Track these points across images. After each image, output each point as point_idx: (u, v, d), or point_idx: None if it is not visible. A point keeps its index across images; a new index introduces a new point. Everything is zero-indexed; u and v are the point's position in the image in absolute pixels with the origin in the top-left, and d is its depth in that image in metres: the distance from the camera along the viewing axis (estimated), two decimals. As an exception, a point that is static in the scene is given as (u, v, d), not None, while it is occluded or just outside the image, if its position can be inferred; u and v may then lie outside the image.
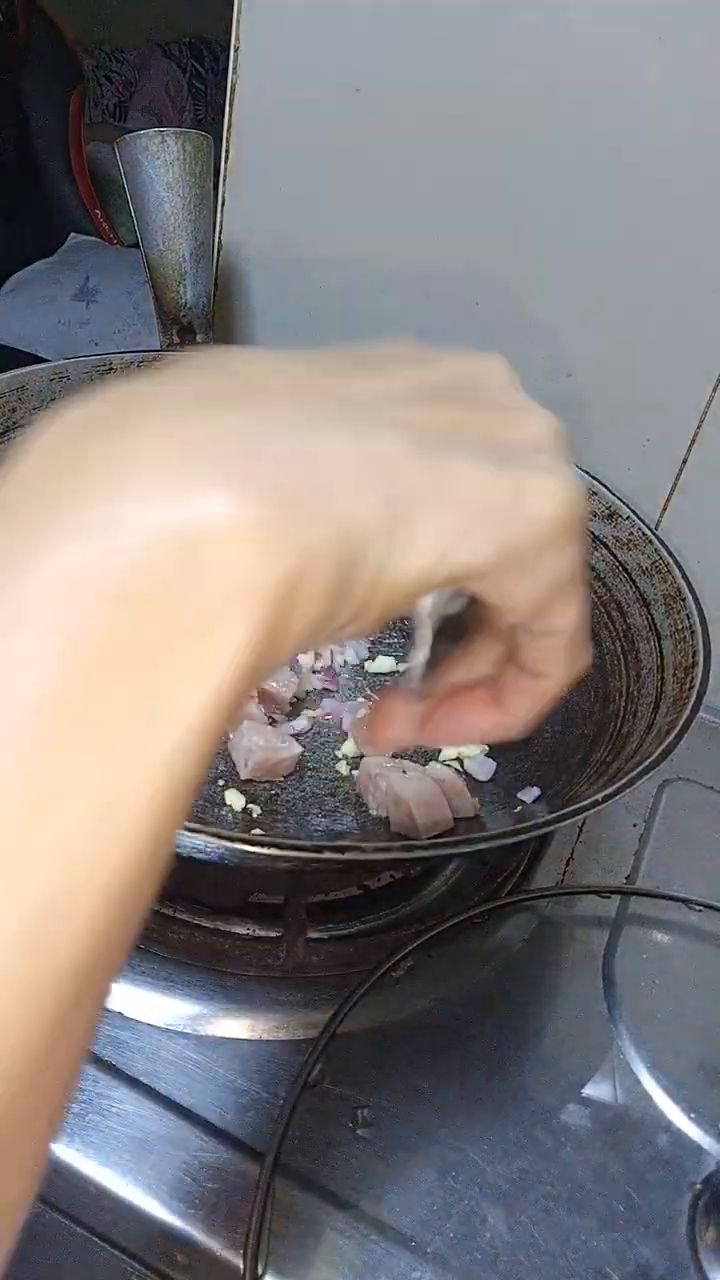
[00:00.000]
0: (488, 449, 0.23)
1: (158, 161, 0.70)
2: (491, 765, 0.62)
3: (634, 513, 0.66)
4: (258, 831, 0.56)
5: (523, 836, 0.44)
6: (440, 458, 0.22)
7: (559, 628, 0.26)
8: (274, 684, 0.63)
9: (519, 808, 0.57)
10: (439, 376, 0.25)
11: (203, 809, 0.57)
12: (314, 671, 0.67)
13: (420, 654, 0.29)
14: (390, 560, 0.21)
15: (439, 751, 0.63)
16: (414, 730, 0.30)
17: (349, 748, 0.62)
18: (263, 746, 0.58)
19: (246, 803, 0.58)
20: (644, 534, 0.64)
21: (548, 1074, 0.51)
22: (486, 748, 0.63)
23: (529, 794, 0.57)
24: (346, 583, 0.20)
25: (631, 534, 0.65)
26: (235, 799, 0.58)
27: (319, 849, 0.42)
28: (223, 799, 0.58)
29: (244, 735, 0.59)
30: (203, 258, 0.73)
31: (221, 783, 0.59)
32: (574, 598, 0.26)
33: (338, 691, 0.67)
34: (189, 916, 0.55)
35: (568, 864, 0.63)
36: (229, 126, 0.76)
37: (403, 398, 0.23)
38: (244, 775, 0.59)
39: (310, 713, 0.65)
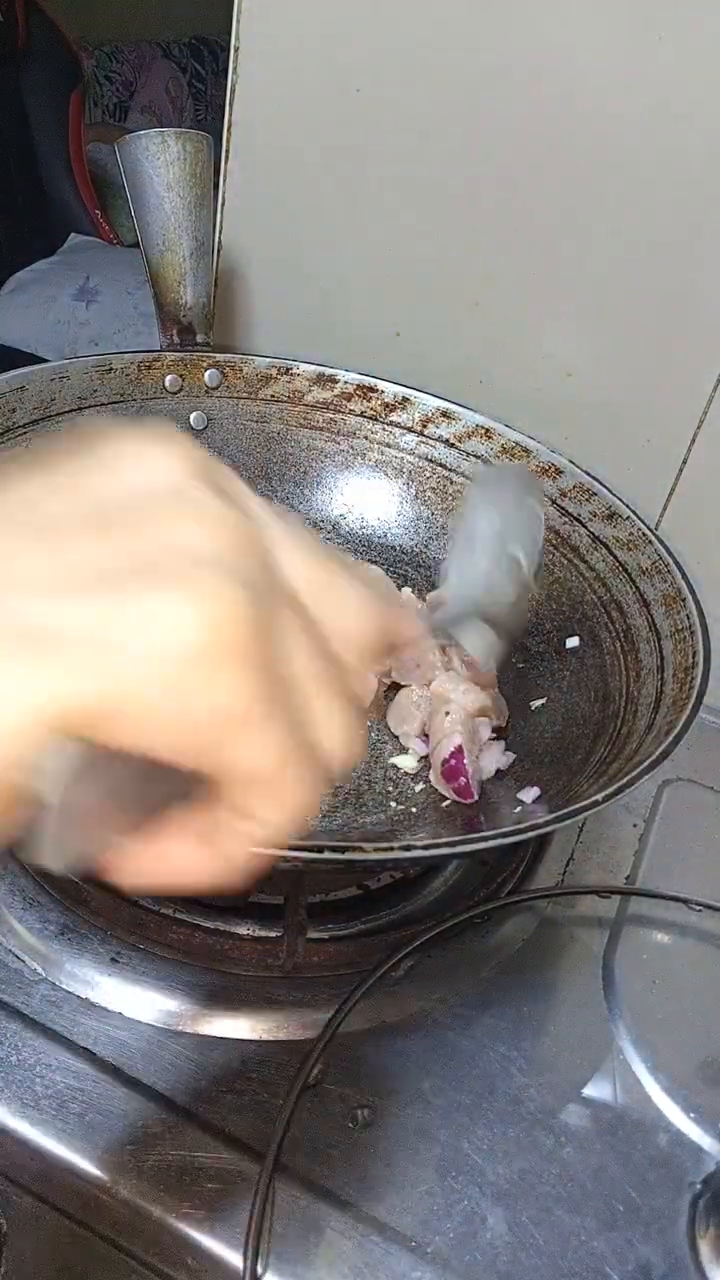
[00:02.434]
0: (107, 577, 0.20)
1: (158, 162, 0.70)
2: (511, 757, 0.62)
3: (634, 513, 0.66)
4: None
5: (523, 836, 0.44)
6: (29, 604, 0.20)
7: (241, 769, 0.22)
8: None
9: (519, 808, 0.57)
10: (73, 489, 0.22)
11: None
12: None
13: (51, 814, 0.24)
14: None
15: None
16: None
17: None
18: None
19: None
20: (644, 534, 0.64)
21: (548, 1074, 0.51)
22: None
23: (529, 794, 0.57)
24: None
25: (631, 534, 0.65)
26: None
27: (319, 849, 0.42)
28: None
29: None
30: (203, 258, 0.73)
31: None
32: (257, 730, 0.22)
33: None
34: (189, 916, 0.55)
35: (568, 864, 0.63)
36: (229, 126, 0.76)
37: (13, 536, 0.21)
38: None
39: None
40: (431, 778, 0.60)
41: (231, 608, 0.21)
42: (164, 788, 0.24)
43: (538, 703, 0.65)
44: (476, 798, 0.59)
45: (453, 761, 0.59)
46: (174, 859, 0.25)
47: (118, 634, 0.20)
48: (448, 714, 0.60)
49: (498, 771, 0.61)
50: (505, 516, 0.53)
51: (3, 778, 0.20)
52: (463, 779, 0.58)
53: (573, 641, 0.65)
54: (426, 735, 0.62)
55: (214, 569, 0.21)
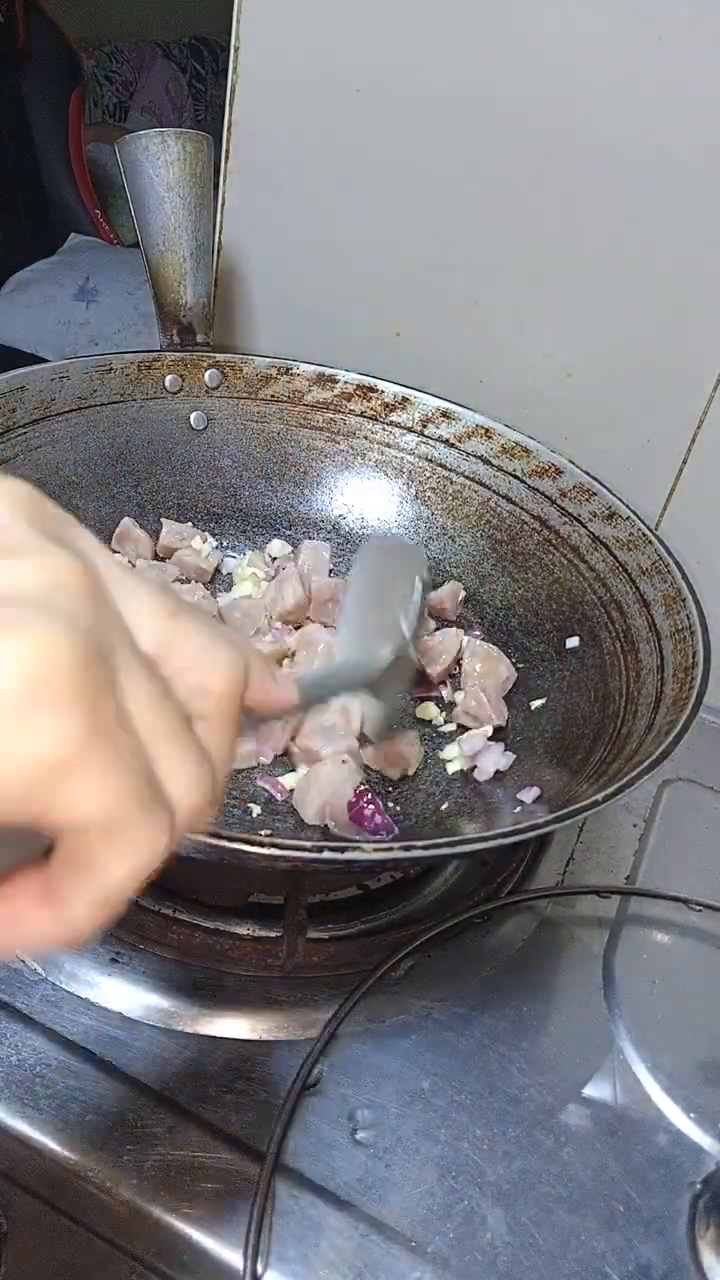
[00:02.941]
0: None
1: (158, 162, 0.70)
2: (511, 757, 0.62)
3: (634, 513, 0.66)
4: (263, 832, 0.56)
5: (523, 836, 0.44)
6: None
7: (79, 815, 0.21)
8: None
9: (519, 808, 0.57)
10: None
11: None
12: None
13: None
14: None
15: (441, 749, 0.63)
16: None
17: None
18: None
19: (247, 802, 0.58)
20: (644, 534, 0.64)
21: (548, 1074, 0.51)
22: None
23: (529, 794, 0.57)
24: None
25: (631, 534, 0.65)
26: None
27: (319, 849, 0.42)
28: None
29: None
30: (203, 258, 0.73)
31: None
32: (83, 775, 0.21)
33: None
34: (189, 916, 0.55)
35: (568, 864, 0.63)
36: (229, 126, 0.76)
37: None
38: None
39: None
40: (331, 826, 0.57)
41: (50, 649, 0.20)
42: (5, 849, 0.23)
43: (538, 703, 0.65)
44: (397, 829, 0.57)
45: (360, 804, 0.55)
46: (15, 920, 0.24)
47: None
48: (330, 756, 0.58)
49: (497, 772, 0.61)
50: (388, 589, 0.53)
51: None
52: (379, 817, 0.55)
53: (573, 641, 0.65)
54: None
55: (37, 610, 0.20)
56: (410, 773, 0.61)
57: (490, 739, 0.63)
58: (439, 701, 0.67)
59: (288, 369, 0.75)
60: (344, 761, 0.57)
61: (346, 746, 0.59)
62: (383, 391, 0.75)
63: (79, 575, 0.22)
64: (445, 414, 0.74)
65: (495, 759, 0.61)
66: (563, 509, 0.69)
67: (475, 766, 0.62)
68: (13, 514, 0.23)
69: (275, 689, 0.30)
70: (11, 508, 0.23)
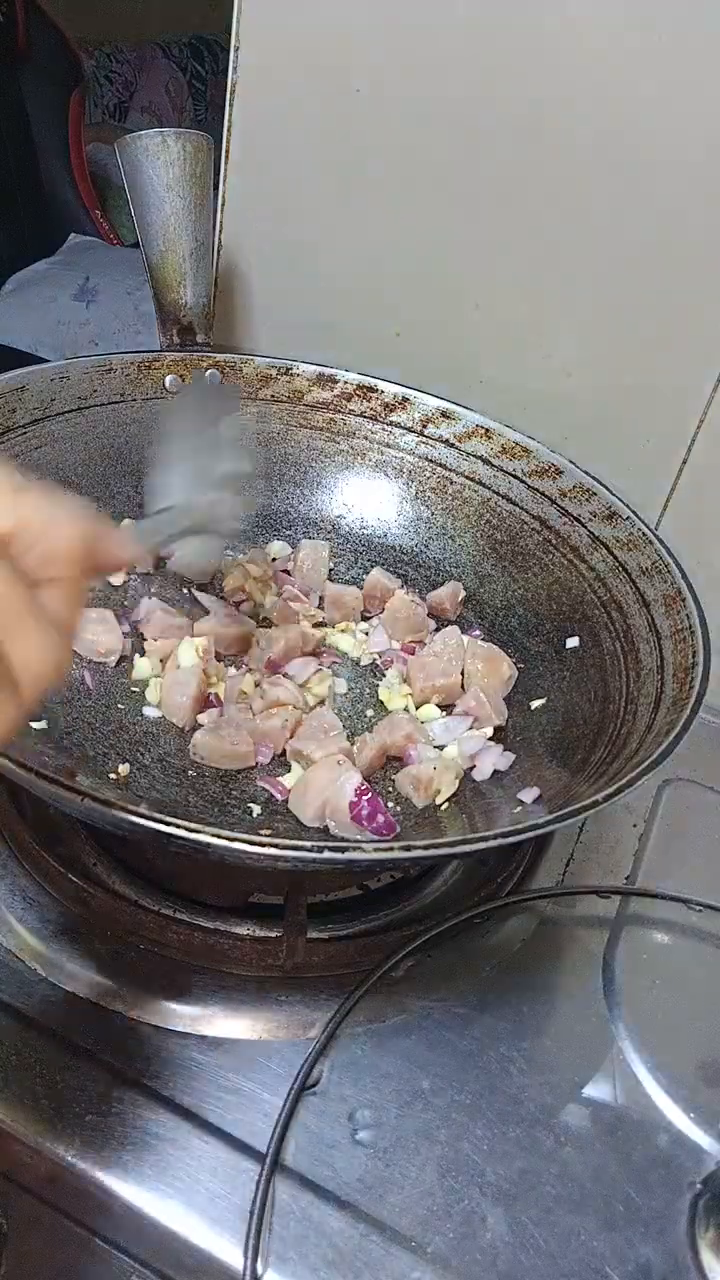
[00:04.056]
0: None
1: (158, 162, 0.70)
2: (510, 757, 0.62)
3: (634, 513, 0.66)
4: (263, 832, 0.56)
5: (523, 836, 0.44)
6: None
7: None
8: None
9: (519, 808, 0.57)
10: None
11: (205, 809, 0.57)
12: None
13: None
14: None
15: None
16: None
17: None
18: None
19: (246, 802, 0.58)
20: (644, 534, 0.64)
21: (548, 1074, 0.51)
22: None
23: (529, 794, 0.57)
24: None
25: (631, 534, 0.65)
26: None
27: (319, 849, 0.42)
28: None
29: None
30: (203, 258, 0.73)
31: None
32: None
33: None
34: (189, 916, 0.55)
35: (568, 864, 0.63)
36: (229, 126, 0.76)
37: None
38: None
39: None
40: (332, 827, 0.56)
41: None
42: None
43: (538, 703, 0.65)
44: (398, 829, 0.56)
45: (361, 803, 0.55)
46: None
47: None
48: (323, 759, 0.58)
49: (496, 772, 0.61)
50: (202, 432, 0.54)
51: None
52: (380, 816, 0.55)
53: (573, 641, 0.65)
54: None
55: None
56: (439, 801, 0.60)
57: (490, 739, 0.63)
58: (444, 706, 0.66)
59: (288, 369, 0.75)
60: (338, 762, 0.57)
61: (339, 747, 0.59)
62: (383, 391, 0.75)
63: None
64: (445, 414, 0.74)
65: (494, 759, 0.61)
66: (563, 509, 0.69)
67: (474, 766, 0.62)
68: None
69: (114, 542, 0.32)
70: None
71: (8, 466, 0.28)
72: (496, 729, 0.64)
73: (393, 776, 0.61)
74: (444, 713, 0.66)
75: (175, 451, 0.54)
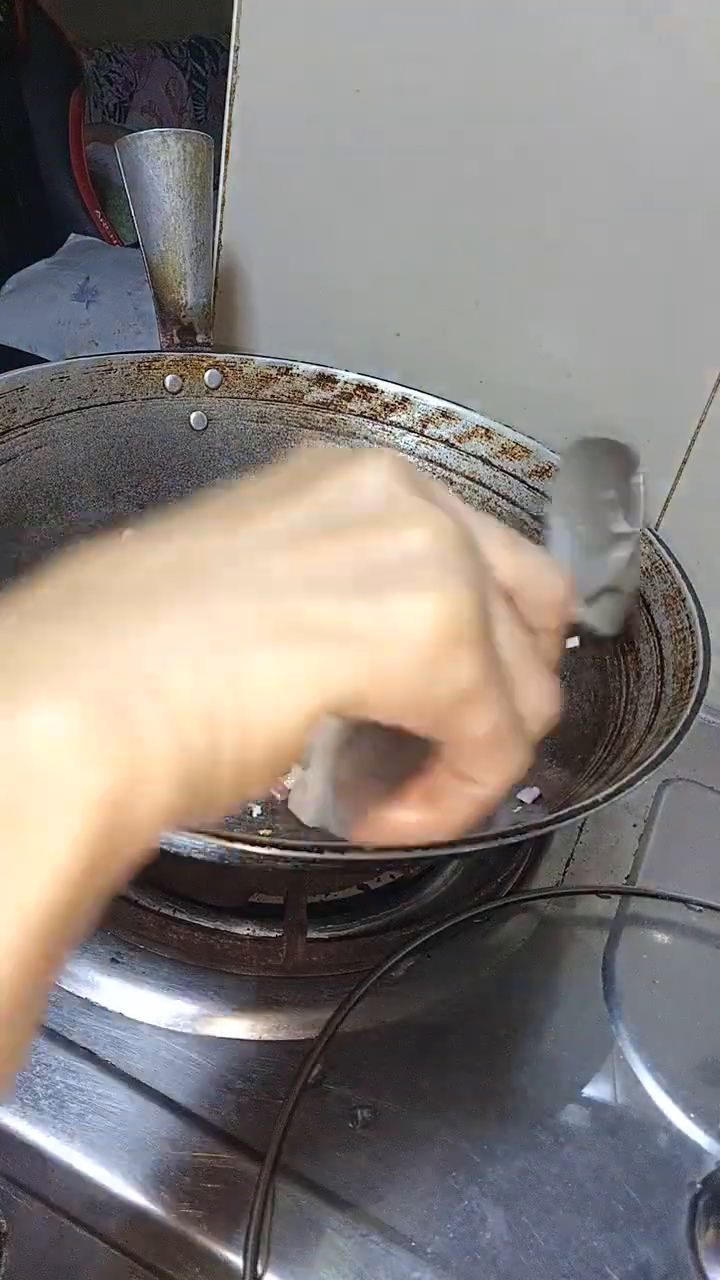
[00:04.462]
0: (355, 580, 0.24)
1: (158, 162, 0.70)
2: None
3: (634, 513, 0.66)
4: (263, 832, 0.56)
5: (523, 836, 0.44)
6: (296, 602, 0.23)
7: (473, 736, 0.26)
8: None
9: (519, 808, 0.57)
10: (312, 504, 0.26)
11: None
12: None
13: (316, 781, 0.30)
14: (248, 722, 0.22)
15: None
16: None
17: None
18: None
19: (246, 802, 0.58)
20: (644, 534, 0.64)
21: (548, 1074, 0.51)
22: None
23: (529, 794, 0.57)
24: (202, 763, 0.21)
25: (631, 534, 0.65)
26: None
27: (319, 849, 0.42)
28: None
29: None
30: (203, 258, 0.73)
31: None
32: (483, 705, 0.25)
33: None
34: (189, 916, 0.55)
35: (568, 864, 0.63)
36: (229, 126, 0.76)
37: (267, 546, 0.24)
38: None
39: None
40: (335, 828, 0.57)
41: (460, 603, 0.24)
42: (404, 759, 0.29)
43: None
44: None
45: None
46: (406, 818, 0.29)
47: (373, 628, 0.23)
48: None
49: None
50: (609, 486, 0.53)
51: (289, 752, 0.23)
52: None
53: (573, 642, 0.65)
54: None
55: (442, 569, 0.25)
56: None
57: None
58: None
59: (288, 369, 0.75)
60: None
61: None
62: (383, 391, 0.75)
63: (462, 534, 0.26)
64: (445, 414, 0.74)
65: None
66: (563, 509, 0.69)
67: None
68: (398, 482, 0.26)
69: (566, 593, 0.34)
70: (396, 477, 0.26)
71: (500, 525, 0.30)
72: None
73: None
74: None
75: (573, 517, 0.54)
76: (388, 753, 0.29)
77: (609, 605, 0.55)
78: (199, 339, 0.74)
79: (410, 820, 0.29)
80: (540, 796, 0.56)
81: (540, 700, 0.28)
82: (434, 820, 0.29)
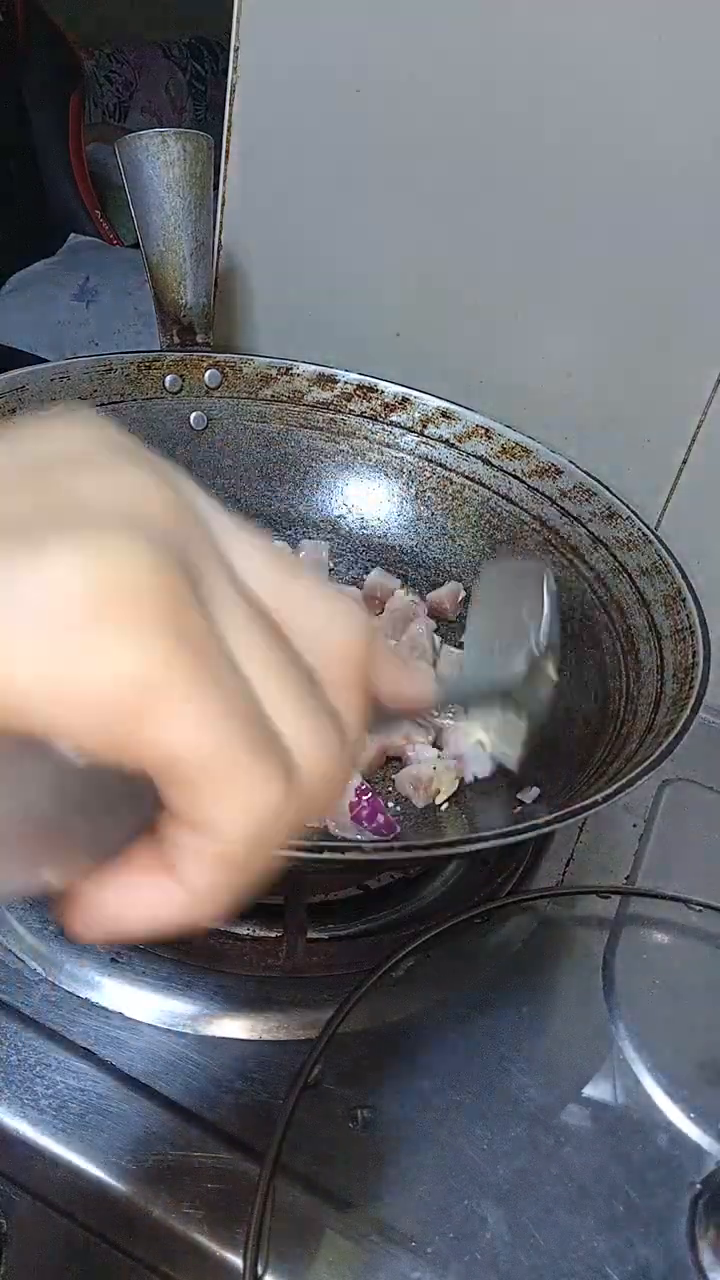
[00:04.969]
0: (19, 518, 0.18)
1: (158, 162, 0.70)
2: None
3: (634, 513, 0.66)
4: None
5: (523, 836, 0.44)
6: None
7: (161, 751, 0.19)
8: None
9: (519, 808, 0.57)
10: (14, 454, 0.21)
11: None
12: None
13: None
14: None
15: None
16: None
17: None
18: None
19: None
20: (644, 534, 0.64)
21: (548, 1074, 0.51)
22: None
23: (529, 794, 0.57)
24: None
25: (631, 534, 0.65)
26: None
27: (319, 849, 0.42)
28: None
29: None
30: (203, 258, 0.73)
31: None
32: (173, 705, 0.18)
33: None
34: (189, 916, 0.55)
35: (568, 864, 0.63)
36: (229, 127, 0.76)
37: None
38: None
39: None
40: (331, 827, 0.56)
41: (126, 557, 0.18)
42: (117, 816, 0.20)
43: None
44: (399, 829, 0.57)
45: (361, 803, 0.55)
46: (129, 896, 0.21)
47: (4, 593, 0.17)
48: None
49: (496, 772, 0.61)
50: (513, 601, 0.53)
51: None
52: (380, 816, 0.55)
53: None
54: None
55: (114, 519, 0.19)
56: (439, 801, 0.60)
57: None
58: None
59: (288, 369, 0.75)
60: None
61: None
62: (383, 391, 0.75)
63: (164, 495, 0.20)
64: (445, 414, 0.74)
65: (484, 763, 0.61)
66: (563, 509, 0.69)
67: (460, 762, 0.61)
68: (97, 443, 0.21)
69: (411, 679, 0.27)
70: (96, 437, 0.21)
71: (280, 548, 0.25)
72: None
73: (393, 776, 0.61)
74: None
75: (484, 616, 0.52)
76: (86, 801, 0.20)
77: (509, 729, 0.54)
78: (199, 339, 0.74)
79: (135, 901, 0.21)
80: (540, 796, 0.56)
81: (313, 741, 0.21)
82: (165, 896, 0.21)
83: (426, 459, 0.75)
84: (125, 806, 0.20)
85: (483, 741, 0.54)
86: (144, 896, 0.21)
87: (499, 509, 0.72)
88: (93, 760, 0.19)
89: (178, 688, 0.18)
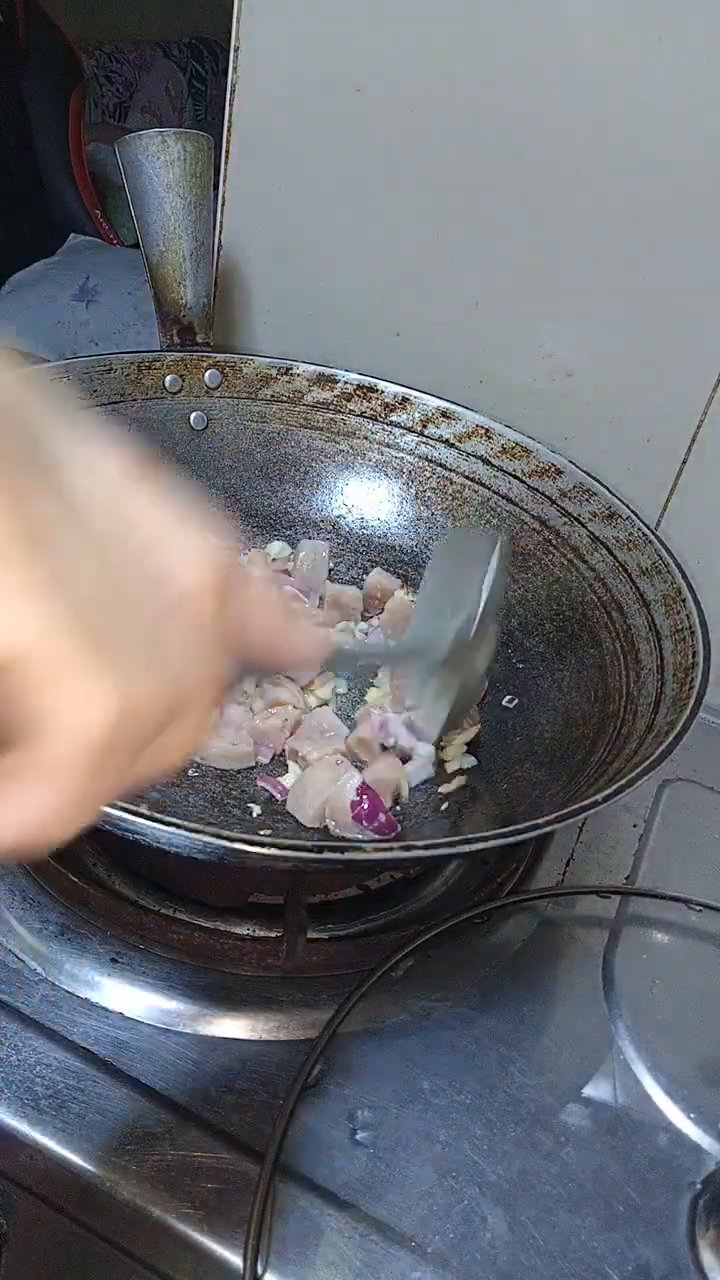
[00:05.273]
0: None
1: (158, 162, 0.70)
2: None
3: (634, 513, 0.66)
4: (263, 832, 0.56)
5: (523, 836, 0.44)
6: None
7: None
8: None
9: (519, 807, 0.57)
10: None
11: (205, 809, 0.57)
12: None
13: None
14: None
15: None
16: None
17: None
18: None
19: (246, 802, 0.58)
20: (644, 534, 0.64)
21: (548, 1074, 0.51)
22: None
23: (529, 794, 0.57)
24: None
25: (631, 534, 0.65)
26: None
27: (319, 849, 0.42)
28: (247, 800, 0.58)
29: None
30: (203, 258, 0.73)
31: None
32: (5, 597, 0.19)
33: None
34: (189, 916, 0.55)
35: (568, 864, 0.63)
36: (229, 126, 0.76)
37: None
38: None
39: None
40: (332, 827, 0.57)
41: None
42: None
43: (511, 702, 0.65)
44: (399, 828, 0.56)
45: (362, 802, 0.55)
46: None
47: None
48: (320, 760, 0.58)
49: (495, 772, 0.61)
50: (462, 570, 0.52)
51: None
52: (381, 815, 0.55)
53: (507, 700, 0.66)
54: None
55: None
56: (401, 800, 0.60)
57: (468, 743, 0.63)
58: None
59: (288, 369, 0.75)
60: (338, 762, 0.57)
61: (336, 748, 0.59)
62: (383, 391, 0.75)
63: None
64: (445, 414, 0.74)
65: (416, 767, 0.61)
66: (563, 509, 0.69)
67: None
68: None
69: (292, 636, 0.26)
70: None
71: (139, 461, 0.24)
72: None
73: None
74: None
75: (434, 583, 0.51)
76: None
77: (435, 698, 0.54)
78: (199, 339, 0.74)
79: None
80: (540, 796, 0.56)
81: (149, 666, 0.21)
82: (13, 803, 0.20)
83: (426, 459, 0.75)
84: None
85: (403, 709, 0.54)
86: None
87: (499, 509, 0.72)
88: None
89: (9, 576, 0.18)
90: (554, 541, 0.69)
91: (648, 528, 0.65)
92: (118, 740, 0.20)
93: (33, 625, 0.19)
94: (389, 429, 0.75)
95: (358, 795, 0.55)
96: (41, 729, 0.20)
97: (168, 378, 0.72)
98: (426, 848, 0.44)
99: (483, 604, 0.50)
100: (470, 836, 0.45)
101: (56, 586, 0.19)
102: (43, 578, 0.19)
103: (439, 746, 0.63)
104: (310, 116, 0.74)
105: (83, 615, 0.19)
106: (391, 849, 0.44)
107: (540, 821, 0.45)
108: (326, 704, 0.65)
